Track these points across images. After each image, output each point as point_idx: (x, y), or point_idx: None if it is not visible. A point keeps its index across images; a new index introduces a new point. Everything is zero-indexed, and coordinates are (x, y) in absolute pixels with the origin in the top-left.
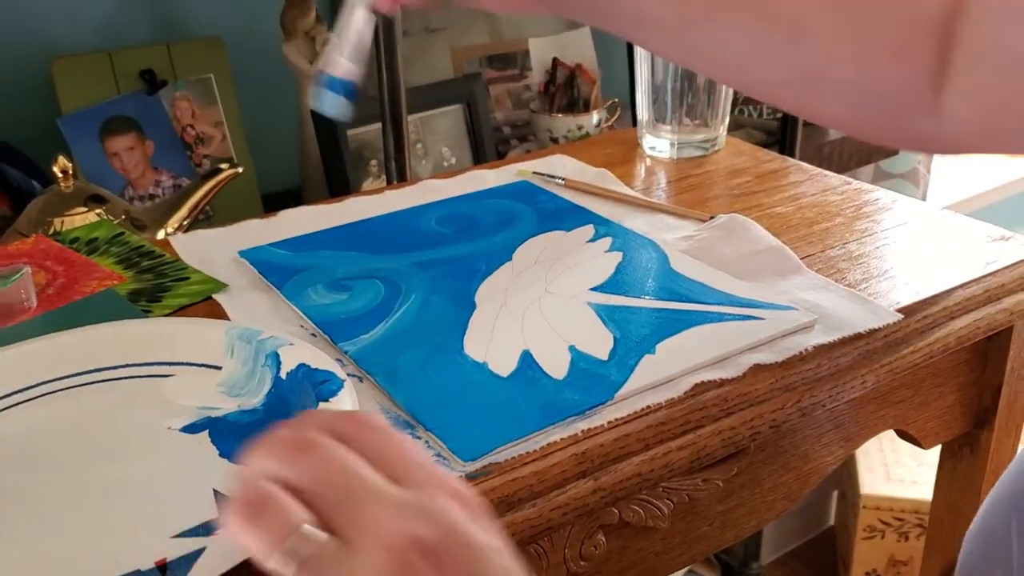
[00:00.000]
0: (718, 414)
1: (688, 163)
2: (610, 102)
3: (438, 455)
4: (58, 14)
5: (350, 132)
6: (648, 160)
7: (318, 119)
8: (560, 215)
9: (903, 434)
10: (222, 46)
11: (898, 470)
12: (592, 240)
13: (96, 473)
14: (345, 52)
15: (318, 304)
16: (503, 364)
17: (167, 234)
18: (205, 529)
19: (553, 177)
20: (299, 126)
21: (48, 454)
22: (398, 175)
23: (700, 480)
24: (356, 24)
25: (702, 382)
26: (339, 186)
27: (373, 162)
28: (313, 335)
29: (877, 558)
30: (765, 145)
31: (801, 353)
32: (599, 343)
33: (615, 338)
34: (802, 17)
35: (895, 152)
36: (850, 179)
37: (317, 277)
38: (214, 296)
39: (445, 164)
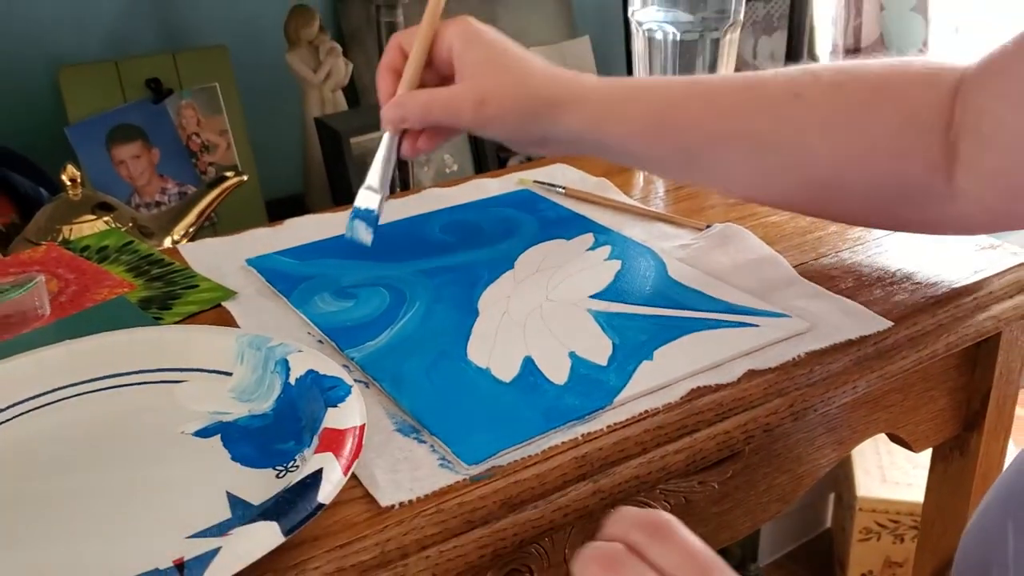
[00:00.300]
0: (714, 418)
1: None
2: None
3: (443, 459)
4: (66, 24)
5: (353, 140)
6: None
7: (321, 126)
8: (561, 223)
9: (894, 438)
10: (227, 55)
11: (893, 472)
12: (592, 248)
13: (113, 476)
14: (372, 184)
15: (325, 311)
16: (505, 370)
17: (173, 241)
18: (219, 529)
19: (554, 186)
20: (303, 133)
21: (65, 458)
22: (401, 183)
23: (696, 482)
24: (383, 159)
25: (698, 387)
26: (342, 193)
27: None
28: (320, 342)
29: (873, 560)
30: None
31: (794, 359)
32: (599, 349)
33: (614, 344)
34: (802, 139)
35: None
36: None
37: (323, 285)
38: (223, 303)
39: (447, 171)
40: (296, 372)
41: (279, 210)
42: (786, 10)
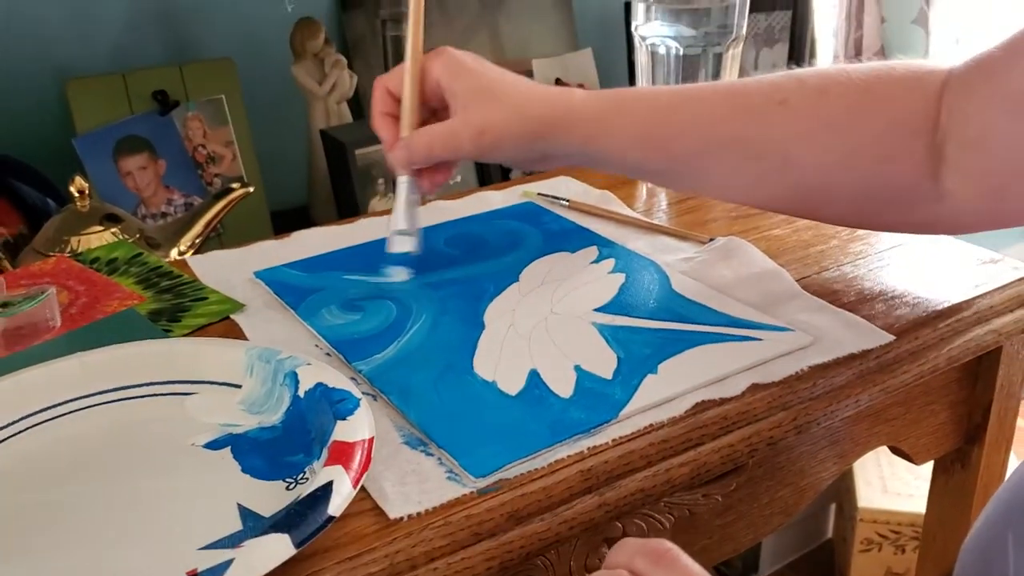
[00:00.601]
0: (718, 432)
1: None
2: None
3: (450, 471)
4: (74, 38)
5: (358, 151)
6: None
7: (326, 138)
8: (565, 236)
9: (896, 450)
10: (233, 67)
11: (895, 483)
12: (596, 261)
13: (123, 488)
14: (401, 228)
15: (332, 324)
16: (511, 383)
17: (180, 252)
18: (231, 541)
19: (558, 199)
20: (308, 145)
21: (76, 470)
22: None
23: (700, 495)
24: (405, 202)
25: (703, 401)
26: (346, 204)
27: (380, 180)
28: (328, 354)
29: (874, 571)
30: None
31: (797, 373)
32: (604, 362)
33: (619, 358)
34: (788, 145)
35: None
36: None
37: (331, 298)
38: (232, 316)
39: (451, 183)
40: (305, 385)
41: (284, 221)
42: (787, 22)
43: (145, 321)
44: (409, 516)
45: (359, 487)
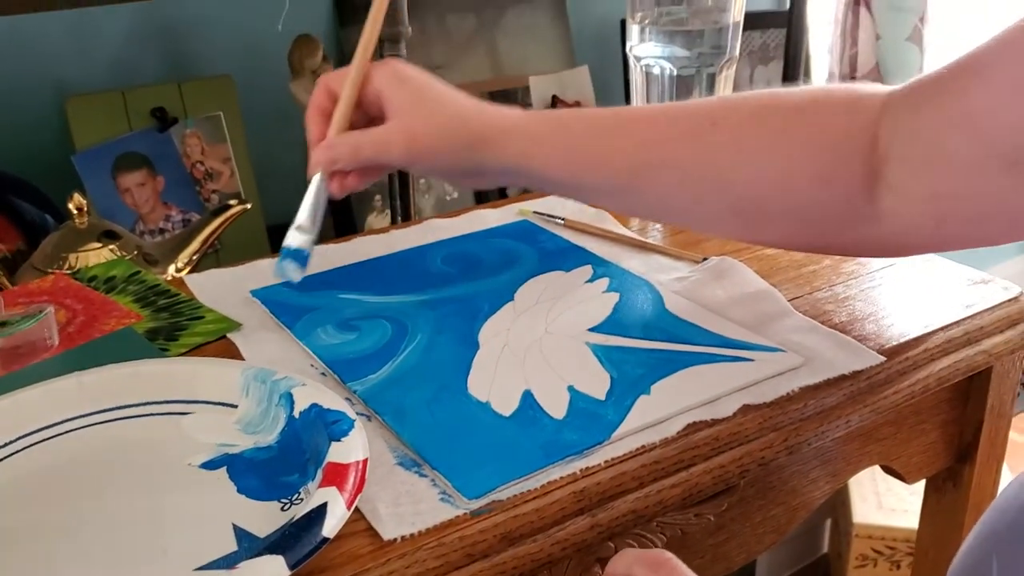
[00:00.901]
0: (710, 453)
1: None
2: None
3: (444, 493)
4: (73, 55)
5: None
6: None
7: None
8: (560, 255)
9: (888, 469)
10: (232, 84)
11: (890, 499)
12: (590, 280)
13: (120, 507)
14: (302, 224)
15: (328, 344)
16: (505, 404)
17: (178, 268)
18: (227, 562)
19: (553, 217)
20: (305, 161)
21: (73, 489)
22: (402, 212)
23: (692, 515)
24: (313, 200)
25: (694, 422)
26: (343, 220)
27: (377, 197)
28: (323, 374)
29: None
30: None
31: (789, 394)
32: (597, 383)
33: (612, 378)
34: (721, 166)
35: None
36: None
37: (326, 317)
38: (228, 335)
39: (448, 198)
40: (300, 406)
41: (281, 237)
42: (782, 40)
43: (142, 340)
44: (403, 537)
45: (353, 508)
